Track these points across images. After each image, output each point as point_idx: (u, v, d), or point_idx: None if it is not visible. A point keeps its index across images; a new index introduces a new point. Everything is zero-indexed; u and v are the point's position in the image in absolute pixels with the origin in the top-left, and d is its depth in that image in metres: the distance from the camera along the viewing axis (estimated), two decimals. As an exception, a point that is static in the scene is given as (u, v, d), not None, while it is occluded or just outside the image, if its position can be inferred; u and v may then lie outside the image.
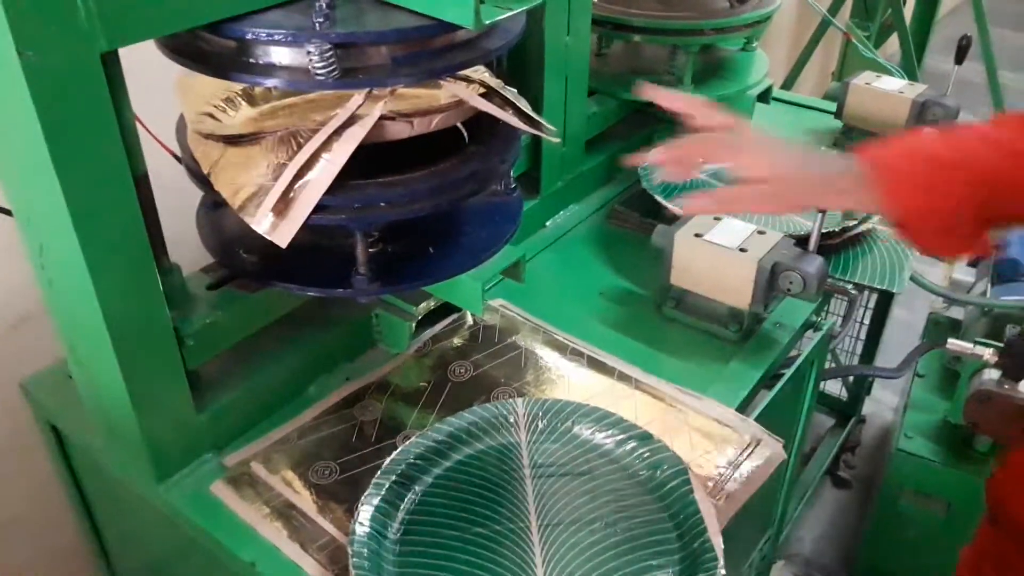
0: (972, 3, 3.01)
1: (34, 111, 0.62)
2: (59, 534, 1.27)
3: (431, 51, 0.81)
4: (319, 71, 0.74)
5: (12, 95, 0.63)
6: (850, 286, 1.15)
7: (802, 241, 1.07)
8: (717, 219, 1.08)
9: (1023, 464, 1.11)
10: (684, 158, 0.87)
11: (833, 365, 1.87)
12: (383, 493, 0.79)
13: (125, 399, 0.78)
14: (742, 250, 1.02)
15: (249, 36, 0.74)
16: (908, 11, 2.94)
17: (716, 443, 0.91)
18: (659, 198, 1.24)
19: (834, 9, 2.77)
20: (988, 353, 1.48)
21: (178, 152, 0.88)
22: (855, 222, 1.21)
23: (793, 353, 1.09)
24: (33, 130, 0.63)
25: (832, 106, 1.61)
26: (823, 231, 1.08)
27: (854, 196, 0.81)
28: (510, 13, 0.76)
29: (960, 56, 2.08)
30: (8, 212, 0.78)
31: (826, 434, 2.02)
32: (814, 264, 1.00)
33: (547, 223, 1.32)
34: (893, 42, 2.97)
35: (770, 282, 1.01)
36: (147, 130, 1.12)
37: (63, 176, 0.66)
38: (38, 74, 0.61)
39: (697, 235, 1.05)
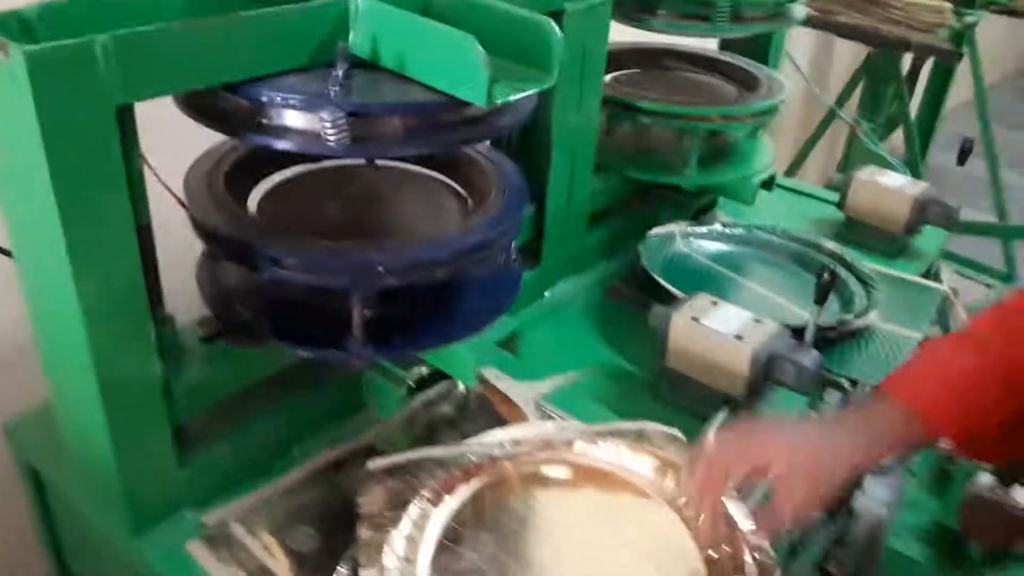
0: (976, 102, 3.07)
1: (44, 158, 0.63)
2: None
3: (441, 124, 0.82)
4: (330, 137, 0.76)
5: (25, 140, 0.64)
6: (846, 381, 1.15)
7: (799, 332, 1.07)
8: (715, 303, 1.09)
9: None
10: (711, 483, 0.85)
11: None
12: None
13: (108, 449, 0.77)
14: (738, 337, 1.02)
15: (265, 99, 0.75)
16: (914, 105, 3.00)
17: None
18: (658, 278, 1.25)
19: (843, 99, 2.83)
20: (982, 455, 1.46)
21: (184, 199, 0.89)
22: (852, 316, 1.21)
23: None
24: (42, 176, 0.64)
25: (834, 196, 1.63)
26: (820, 323, 1.08)
27: (898, 446, 0.84)
28: (523, 94, 0.78)
29: (962, 158, 2.12)
30: (8, 253, 0.78)
31: (817, 527, 1.98)
32: (810, 357, 1.00)
33: (545, 293, 1.33)
34: (899, 133, 3.02)
35: (765, 372, 1.00)
36: (156, 175, 1.14)
37: (67, 223, 0.66)
38: (52, 122, 0.62)
39: (694, 319, 1.05)
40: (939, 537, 1.55)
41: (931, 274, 1.63)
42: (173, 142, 0.90)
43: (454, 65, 0.75)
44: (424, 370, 1.01)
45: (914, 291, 1.38)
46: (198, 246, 0.91)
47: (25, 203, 0.70)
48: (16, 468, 0.98)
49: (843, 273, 1.33)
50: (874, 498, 2.18)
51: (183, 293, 0.91)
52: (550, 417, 1.04)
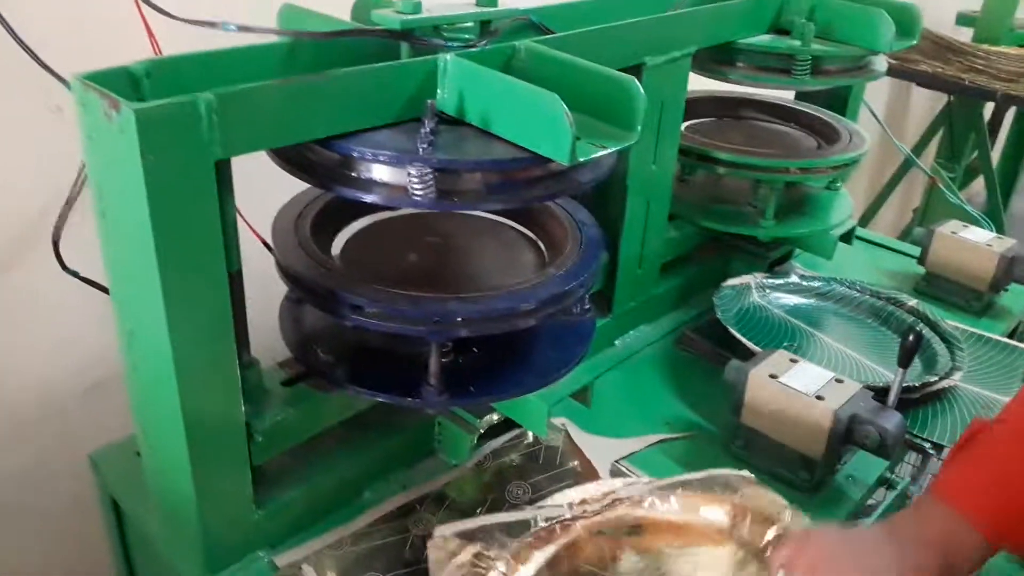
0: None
1: (147, 207, 0.66)
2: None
3: (524, 180, 0.83)
4: (417, 191, 0.77)
5: (129, 190, 0.66)
6: (928, 444, 1.10)
7: (881, 393, 1.04)
8: (794, 361, 1.06)
9: None
10: None
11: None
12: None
13: (189, 488, 0.79)
14: (819, 397, 0.99)
15: (356, 154, 0.78)
16: (996, 153, 2.91)
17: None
18: (733, 330, 1.23)
19: (919, 148, 2.77)
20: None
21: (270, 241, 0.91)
22: (936, 378, 1.17)
23: (869, 504, 1.05)
24: (143, 224, 0.67)
25: (914, 249, 1.59)
26: (903, 384, 1.04)
27: (960, 560, 0.76)
28: (604, 152, 0.78)
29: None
30: (105, 290, 0.82)
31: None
32: (893, 421, 0.96)
33: (616, 342, 1.32)
34: (977, 182, 2.94)
35: (846, 434, 0.97)
36: (242, 218, 1.18)
37: (163, 269, 0.69)
38: (155, 175, 0.65)
39: (772, 376, 1.03)
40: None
41: (1018, 334, 1.57)
42: (261, 189, 0.93)
43: (538, 123, 0.76)
44: (495, 417, 1.01)
45: (1001, 352, 1.32)
46: (281, 290, 0.93)
47: (124, 248, 0.73)
48: (99, 498, 1.01)
49: (926, 331, 1.29)
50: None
51: (264, 336, 0.93)
52: (624, 474, 1.03)
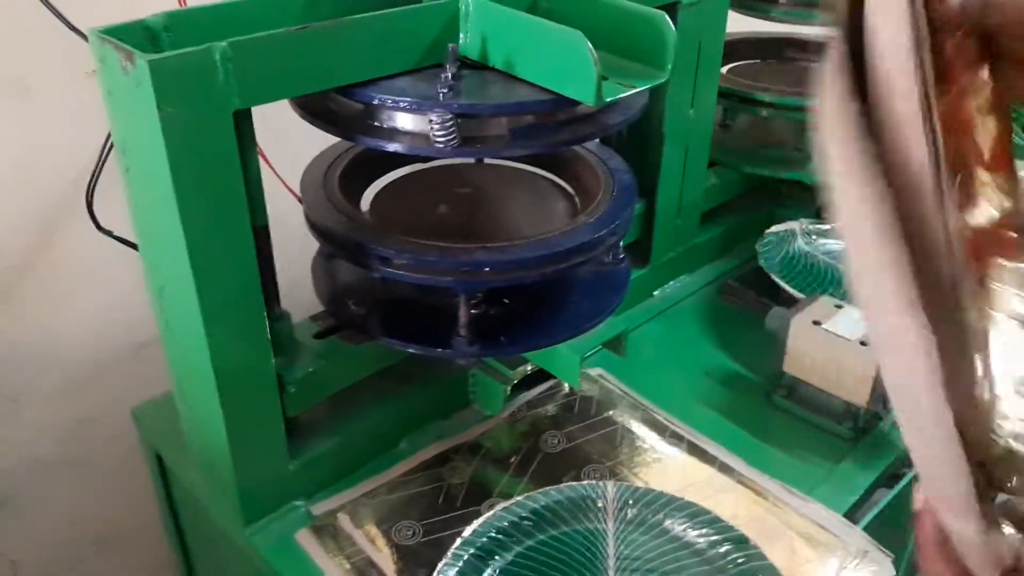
0: None
1: (167, 162, 0.66)
2: (152, 556, 1.32)
3: (550, 125, 0.81)
4: (439, 139, 0.76)
5: (148, 144, 0.66)
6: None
7: (930, 340, 1.00)
8: (839, 306, 1.03)
9: None
10: None
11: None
12: (460, 565, 0.77)
13: (223, 440, 0.80)
14: (863, 343, 0.96)
15: (376, 101, 0.76)
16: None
17: (819, 552, 0.84)
18: (776, 278, 1.19)
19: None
20: None
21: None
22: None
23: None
24: (163, 178, 0.67)
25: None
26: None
27: None
28: (632, 92, 0.75)
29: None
30: (136, 247, 0.83)
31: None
32: (942, 367, 0.92)
33: (655, 293, 1.29)
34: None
35: (891, 382, 0.94)
36: (274, 171, 1.18)
37: (187, 223, 0.69)
38: (173, 128, 0.65)
39: (816, 322, 1.00)
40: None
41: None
42: (294, 142, 0.93)
43: (562, 63, 0.74)
44: (529, 368, 1.00)
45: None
46: (315, 244, 0.93)
47: (148, 204, 0.73)
48: (143, 453, 1.04)
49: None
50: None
51: (299, 288, 0.94)
52: (663, 426, 1.01)
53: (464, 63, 0.81)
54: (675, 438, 0.99)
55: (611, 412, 1.03)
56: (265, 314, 0.78)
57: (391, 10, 0.76)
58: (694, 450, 0.97)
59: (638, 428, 1.01)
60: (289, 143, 1.02)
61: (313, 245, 0.94)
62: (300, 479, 0.89)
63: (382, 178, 1.01)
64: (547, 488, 0.86)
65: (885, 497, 0.96)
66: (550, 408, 1.04)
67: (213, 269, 0.71)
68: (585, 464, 0.95)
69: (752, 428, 1.02)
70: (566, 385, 1.07)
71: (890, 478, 0.98)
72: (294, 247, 0.94)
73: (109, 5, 0.91)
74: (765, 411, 1.06)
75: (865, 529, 0.88)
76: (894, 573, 0.85)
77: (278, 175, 1.16)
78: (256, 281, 0.75)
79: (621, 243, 0.97)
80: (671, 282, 1.30)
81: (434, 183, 1.02)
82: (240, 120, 0.70)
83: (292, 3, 0.82)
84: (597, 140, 1.04)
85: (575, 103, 0.76)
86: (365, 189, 0.97)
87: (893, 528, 0.94)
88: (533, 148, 0.82)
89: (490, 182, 1.04)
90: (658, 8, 0.82)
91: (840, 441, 1.00)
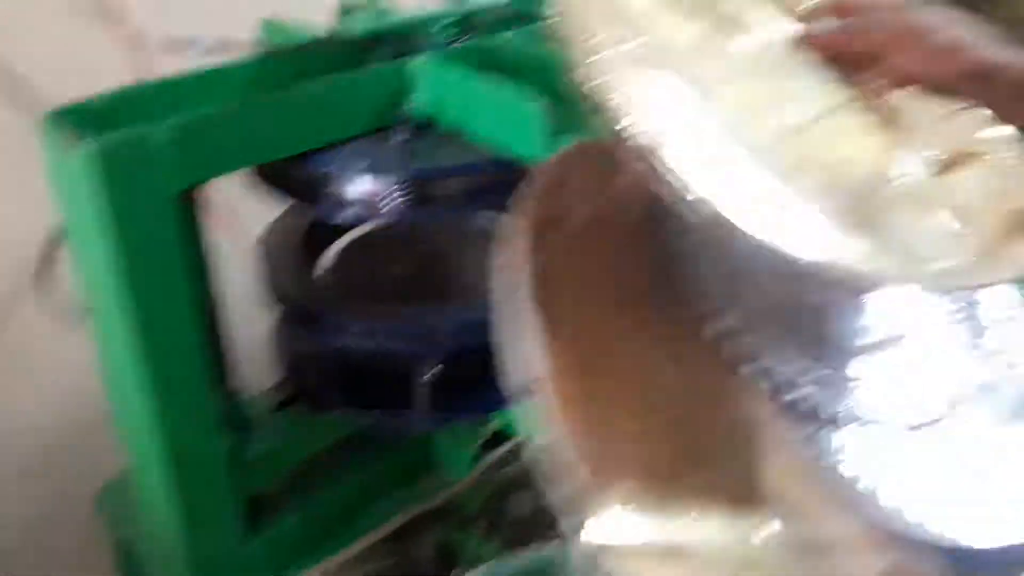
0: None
1: (111, 243, 0.64)
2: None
3: (504, 182, 0.80)
4: (394, 202, 0.75)
5: (92, 226, 0.65)
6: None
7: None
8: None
9: None
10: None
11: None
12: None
13: (178, 521, 0.78)
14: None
15: (328, 168, 0.75)
16: None
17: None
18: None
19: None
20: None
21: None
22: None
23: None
24: (107, 259, 0.65)
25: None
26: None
27: None
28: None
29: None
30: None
31: None
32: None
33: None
34: None
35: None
36: (226, 241, 1.16)
37: (131, 307, 0.67)
38: (116, 209, 0.63)
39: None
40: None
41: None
42: (250, 208, 0.91)
43: (511, 121, 0.73)
44: (496, 427, 0.99)
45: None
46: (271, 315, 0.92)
47: (94, 283, 0.71)
48: (107, 538, 1.00)
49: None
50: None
51: (256, 361, 0.92)
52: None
53: (419, 124, 0.80)
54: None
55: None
56: (218, 391, 0.76)
57: (335, 77, 0.75)
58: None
59: (608, 484, 0.99)
60: (244, 210, 1.00)
61: (270, 316, 0.92)
62: (262, 557, 0.86)
63: (339, 241, 0.99)
64: (515, 554, 0.84)
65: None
66: (519, 466, 1.02)
67: (160, 349, 0.69)
68: (555, 523, 0.93)
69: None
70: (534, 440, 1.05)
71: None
72: (251, 319, 0.92)
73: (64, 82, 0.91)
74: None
75: None
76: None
77: (229, 245, 1.14)
78: (206, 359, 0.73)
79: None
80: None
81: (392, 242, 1.01)
82: (185, 197, 0.68)
83: (243, 72, 0.81)
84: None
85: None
86: (321, 254, 0.96)
87: None
88: (486, 207, 0.81)
89: (452, 239, 1.03)
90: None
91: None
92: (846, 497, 0.51)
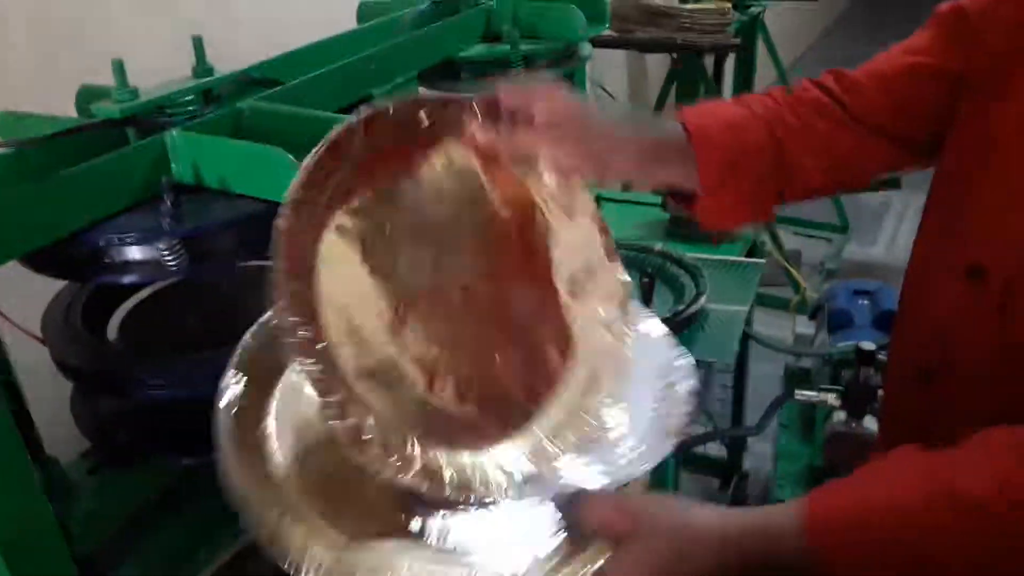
0: (780, 82, 3.38)
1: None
2: None
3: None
4: (171, 263, 0.83)
5: None
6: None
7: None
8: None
9: None
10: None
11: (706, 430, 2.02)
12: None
13: (15, 598, 0.81)
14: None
15: (102, 242, 0.82)
16: (726, 90, 3.28)
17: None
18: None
19: (659, 104, 3.07)
20: (831, 397, 1.65)
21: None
22: (683, 306, 1.36)
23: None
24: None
25: (656, 198, 1.80)
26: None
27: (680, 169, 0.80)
28: (336, 190, 0.87)
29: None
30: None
31: (715, 495, 2.15)
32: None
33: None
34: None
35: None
36: (12, 323, 1.16)
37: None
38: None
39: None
40: (814, 479, 1.73)
41: (756, 248, 1.82)
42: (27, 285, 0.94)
43: (271, 176, 0.84)
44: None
45: (735, 270, 1.55)
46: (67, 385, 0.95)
47: None
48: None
49: (673, 268, 1.49)
50: (760, 455, 2.37)
51: (62, 429, 0.95)
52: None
53: (182, 188, 0.88)
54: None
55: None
56: (32, 465, 0.80)
57: (99, 159, 0.82)
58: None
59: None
60: (22, 288, 1.02)
61: (67, 385, 0.96)
62: (105, 615, 0.90)
63: (128, 301, 1.04)
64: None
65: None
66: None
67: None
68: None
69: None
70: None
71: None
72: (47, 390, 0.95)
73: None
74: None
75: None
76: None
77: (12, 321, 1.15)
78: (16, 435, 0.77)
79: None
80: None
81: (180, 297, 1.07)
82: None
83: (-2, 164, 0.85)
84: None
85: (292, 207, 0.86)
86: (110, 317, 1.01)
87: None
88: (262, 255, 0.90)
89: (236, 285, 1.11)
90: (358, 102, 0.93)
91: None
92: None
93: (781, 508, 0.63)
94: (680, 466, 1.39)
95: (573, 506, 0.64)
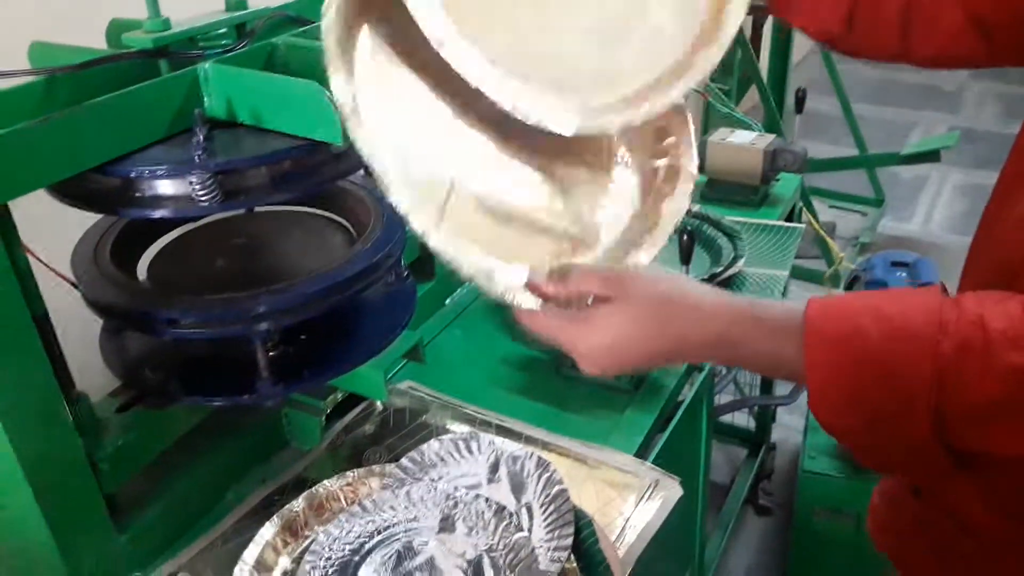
0: (821, 50, 3.29)
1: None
2: None
3: (308, 167, 0.88)
4: (202, 198, 0.80)
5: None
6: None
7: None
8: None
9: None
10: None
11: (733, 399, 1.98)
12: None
13: (46, 533, 0.80)
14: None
15: (134, 174, 0.80)
16: (763, 64, 3.19)
17: (619, 490, 0.98)
18: (546, 267, 1.33)
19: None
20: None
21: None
22: (722, 268, 1.32)
23: (682, 396, 1.18)
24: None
25: (696, 162, 1.76)
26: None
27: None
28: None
29: (799, 106, 2.26)
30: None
31: (741, 465, 2.12)
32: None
33: (447, 301, 1.39)
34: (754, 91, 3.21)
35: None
36: (42, 262, 1.15)
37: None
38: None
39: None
40: (846, 450, 1.69)
41: (795, 214, 1.77)
42: (56, 226, 0.93)
43: (305, 112, 0.81)
44: (340, 395, 1.06)
45: (775, 234, 1.51)
46: (96, 324, 0.94)
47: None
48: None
49: (710, 230, 1.45)
50: (787, 427, 2.34)
51: (91, 369, 0.94)
52: (468, 413, 1.11)
53: (214, 124, 0.86)
54: (484, 425, 1.09)
55: (424, 417, 1.12)
56: (64, 399, 0.79)
57: (131, 88, 0.79)
58: (502, 431, 1.08)
59: (452, 425, 1.10)
60: (51, 228, 1.01)
61: (94, 325, 0.95)
62: (132, 552, 0.89)
63: (156, 243, 1.03)
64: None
65: (663, 436, 1.11)
66: (367, 428, 1.11)
67: (1, 364, 0.72)
68: (408, 468, 1.02)
69: (548, 400, 1.15)
70: (378, 403, 1.14)
71: (665, 420, 1.14)
72: (76, 330, 0.94)
73: None
74: (557, 383, 1.19)
75: (654, 462, 1.03)
76: (682, 492, 0.99)
77: (41, 260, 1.14)
78: (47, 368, 0.76)
79: (402, 262, 1.06)
80: (459, 289, 1.41)
81: (209, 240, 1.06)
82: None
83: (27, 96, 0.83)
84: (362, 172, 1.12)
85: (327, 143, 0.84)
86: (139, 258, 0.99)
87: (681, 457, 1.10)
88: (295, 192, 0.88)
89: (265, 229, 1.09)
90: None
91: (621, 394, 1.14)
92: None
93: (779, 303, 0.67)
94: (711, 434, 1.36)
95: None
